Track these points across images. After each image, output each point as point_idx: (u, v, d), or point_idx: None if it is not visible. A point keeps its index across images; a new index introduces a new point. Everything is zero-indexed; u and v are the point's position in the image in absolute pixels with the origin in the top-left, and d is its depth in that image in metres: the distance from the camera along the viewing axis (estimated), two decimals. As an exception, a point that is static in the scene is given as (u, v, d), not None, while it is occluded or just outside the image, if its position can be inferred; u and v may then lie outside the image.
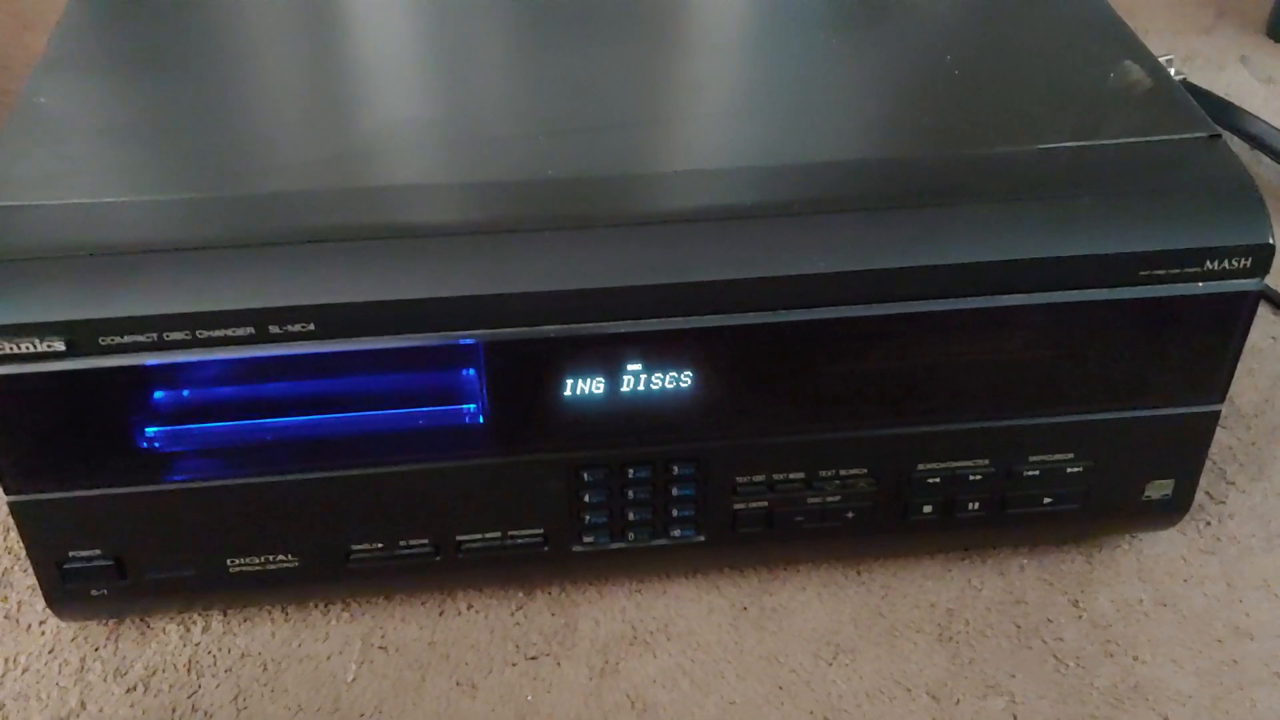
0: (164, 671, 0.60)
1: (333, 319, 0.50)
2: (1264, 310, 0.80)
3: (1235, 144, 0.89)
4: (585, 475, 0.58)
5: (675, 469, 0.58)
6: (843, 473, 0.59)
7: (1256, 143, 0.92)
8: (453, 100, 0.62)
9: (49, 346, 0.50)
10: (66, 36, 0.65)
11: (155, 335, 0.50)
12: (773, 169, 0.57)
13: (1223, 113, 0.93)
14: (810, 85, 0.63)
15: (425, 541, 0.59)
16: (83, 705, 0.59)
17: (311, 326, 0.50)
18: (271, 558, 0.58)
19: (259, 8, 0.70)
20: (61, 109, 0.59)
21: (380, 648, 0.62)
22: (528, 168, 0.56)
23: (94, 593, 0.58)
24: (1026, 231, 0.54)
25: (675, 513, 0.60)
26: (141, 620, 0.62)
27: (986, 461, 0.59)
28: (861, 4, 0.70)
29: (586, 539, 0.60)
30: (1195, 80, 0.99)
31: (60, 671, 0.60)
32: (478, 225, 0.53)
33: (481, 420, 0.56)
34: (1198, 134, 0.57)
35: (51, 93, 0.60)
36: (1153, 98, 0.60)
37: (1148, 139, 0.57)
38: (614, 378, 0.55)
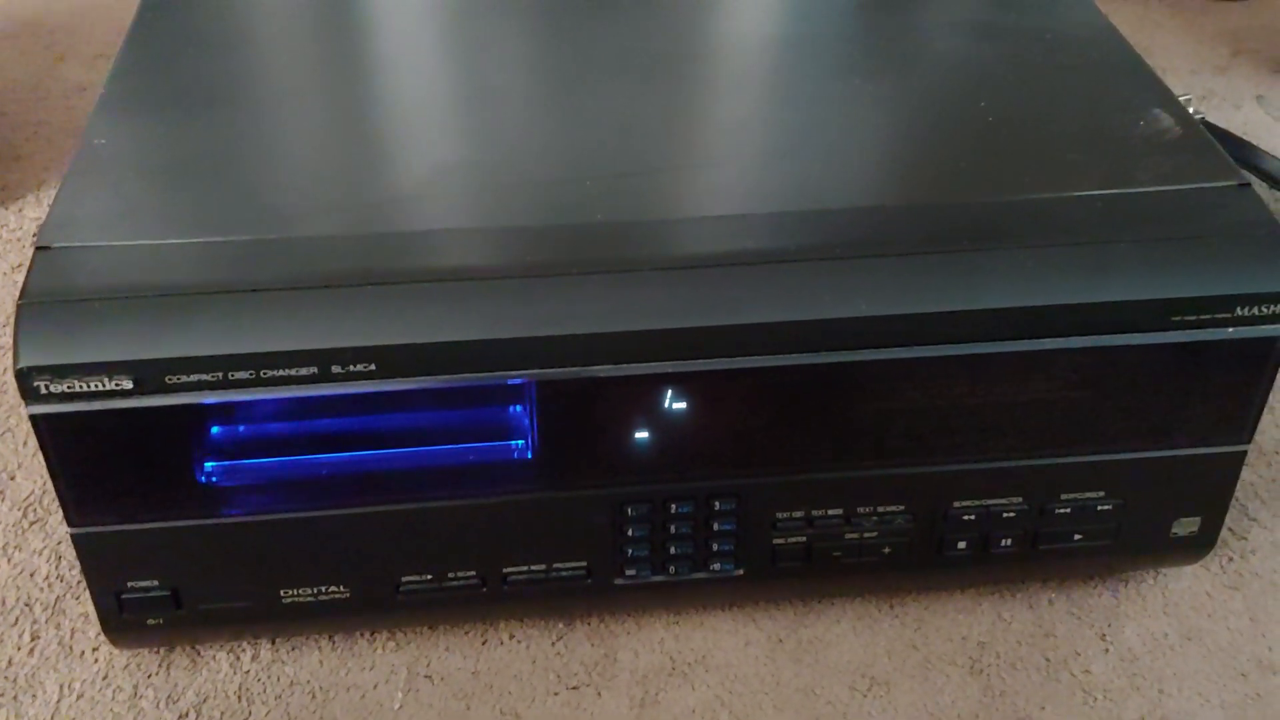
0: (215, 699, 0.62)
1: (393, 359, 0.52)
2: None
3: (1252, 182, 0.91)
4: (629, 510, 0.59)
5: (717, 504, 0.60)
6: (881, 509, 0.61)
7: (1274, 181, 0.93)
8: (500, 144, 0.63)
9: (117, 385, 0.51)
10: (121, 78, 0.67)
11: (220, 374, 0.51)
12: (813, 213, 0.58)
13: (1240, 151, 0.95)
14: (848, 130, 0.65)
15: (472, 573, 0.60)
16: (136, 732, 0.61)
17: (373, 366, 0.52)
18: (324, 589, 0.60)
19: (311, 49, 0.72)
20: (120, 151, 0.61)
21: (426, 677, 0.63)
22: (576, 212, 0.57)
23: (150, 622, 0.60)
24: (1062, 277, 0.55)
25: (716, 547, 0.61)
26: (192, 648, 0.64)
27: (1020, 499, 0.61)
28: (896, 51, 0.72)
29: (629, 572, 0.62)
30: (1212, 119, 1.01)
31: (114, 698, 0.62)
32: (530, 268, 0.54)
33: (530, 456, 0.57)
34: (1228, 182, 0.59)
35: (110, 134, 0.62)
36: (1182, 145, 0.62)
37: (1179, 187, 0.59)
38: (659, 416, 0.56)
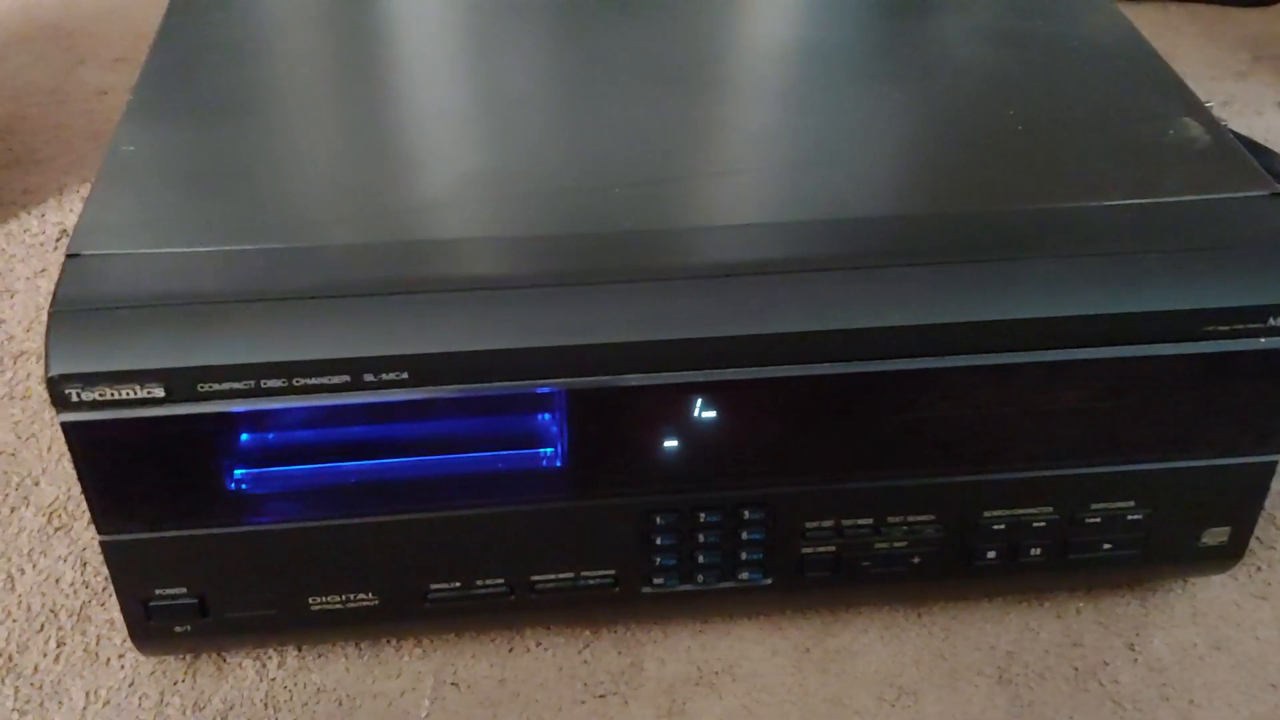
0: (241, 706, 0.62)
1: (426, 367, 0.52)
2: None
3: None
4: (657, 519, 0.59)
5: (746, 513, 0.60)
6: (910, 519, 0.60)
7: (1297, 189, 0.93)
8: (527, 152, 0.63)
9: (149, 393, 0.51)
10: (148, 85, 0.66)
11: (253, 382, 0.51)
12: (842, 222, 0.58)
13: (1262, 159, 0.94)
14: (875, 138, 0.65)
15: (500, 581, 0.60)
16: (163, 739, 0.60)
17: (405, 375, 0.52)
18: (352, 596, 0.60)
19: (339, 57, 0.72)
20: (148, 158, 0.61)
21: (452, 684, 0.63)
22: (605, 220, 0.57)
23: (177, 629, 0.59)
24: (1093, 287, 0.55)
25: (744, 556, 0.61)
26: (218, 655, 0.64)
27: (1050, 509, 0.61)
28: (922, 59, 0.71)
29: (656, 581, 0.61)
30: (1233, 126, 1.01)
31: (140, 705, 0.62)
32: (560, 277, 0.54)
33: (560, 464, 0.57)
34: (1258, 191, 0.59)
35: (138, 141, 0.62)
36: (1212, 154, 0.62)
37: (1209, 196, 0.59)
38: (688, 425, 0.56)
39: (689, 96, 0.67)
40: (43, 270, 0.88)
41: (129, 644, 0.61)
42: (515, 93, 0.68)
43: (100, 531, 0.56)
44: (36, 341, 0.82)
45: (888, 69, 0.70)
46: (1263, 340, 0.56)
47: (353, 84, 0.69)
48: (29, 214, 0.94)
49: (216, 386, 0.51)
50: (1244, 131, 0.99)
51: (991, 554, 0.62)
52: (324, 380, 0.52)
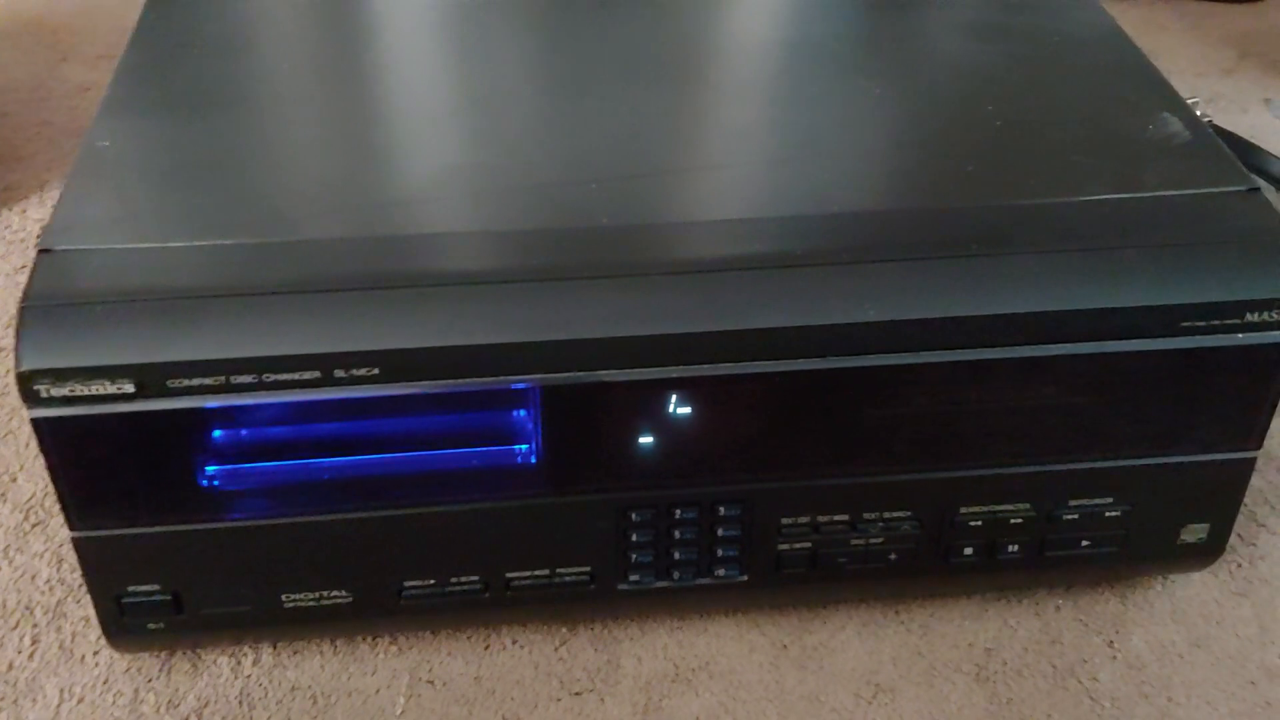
0: (216, 703, 0.61)
1: (396, 363, 0.52)
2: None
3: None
4: (633, 515, 0.59)
5: (721, 510, 0.59)
6: (887, 515, 0.60)
7: (1281, 185, 0.93)
8: (504, 147, 0.63)
9: (119, 388, 0.51)
10: (125, 80, 0.66)
11: (223, 378, 0.51)
12: (820, 217, 0.58)
13: (1247, 155, 0.95)
14: (855, 134, 0.64)
15: (475, 579, 0.60)
16: (137, 737, 0.60)
17: (376, 371, 0.52)
18: (326, 594, 0.59)
19: (317, 52, 0.71)
20: (123, 153, 0.60)
21: (428, 682, 0.63)
22: (582, 215, 0.57)
23: (151, 626, 0.59)
24: (1071, 283, 0.55)
25: (720, 553, 0.61)
26: (193, 652, 0.63)
27: (1028, 505, 0.61)
28: (903, 54, 0.71)
29: (632, 578, 0.61)
30: (1219, 122, 1.01)
31: (114, 702, 0.61)
32: (535, 272, 0.54)
33: (534, 461, 0.57)
34: (1237, 187, 0.59)
35: (113, 136, 0.61)
36: (1191, 150, 0.61)
37: (1188, 192, 0.58)
38: (664, 421, 0.56)
39: (668, 92, 0.67)
40: (22, 267, 0.88)
41: (104, 641, 0.61)
42: (491, 88, 0.68)
43: (72, 528, 0.56)
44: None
45: (867, 64, 0.70)
46: (1240, 336, 0.56)
47: (327, 80, 0.69)
48: (10, 210, 0.94)
49: (187, 382, 0.51)
50: (1230, 128, 0.99)
51: (969, 551, 0.62)
52: (295, 376, 0.51)
